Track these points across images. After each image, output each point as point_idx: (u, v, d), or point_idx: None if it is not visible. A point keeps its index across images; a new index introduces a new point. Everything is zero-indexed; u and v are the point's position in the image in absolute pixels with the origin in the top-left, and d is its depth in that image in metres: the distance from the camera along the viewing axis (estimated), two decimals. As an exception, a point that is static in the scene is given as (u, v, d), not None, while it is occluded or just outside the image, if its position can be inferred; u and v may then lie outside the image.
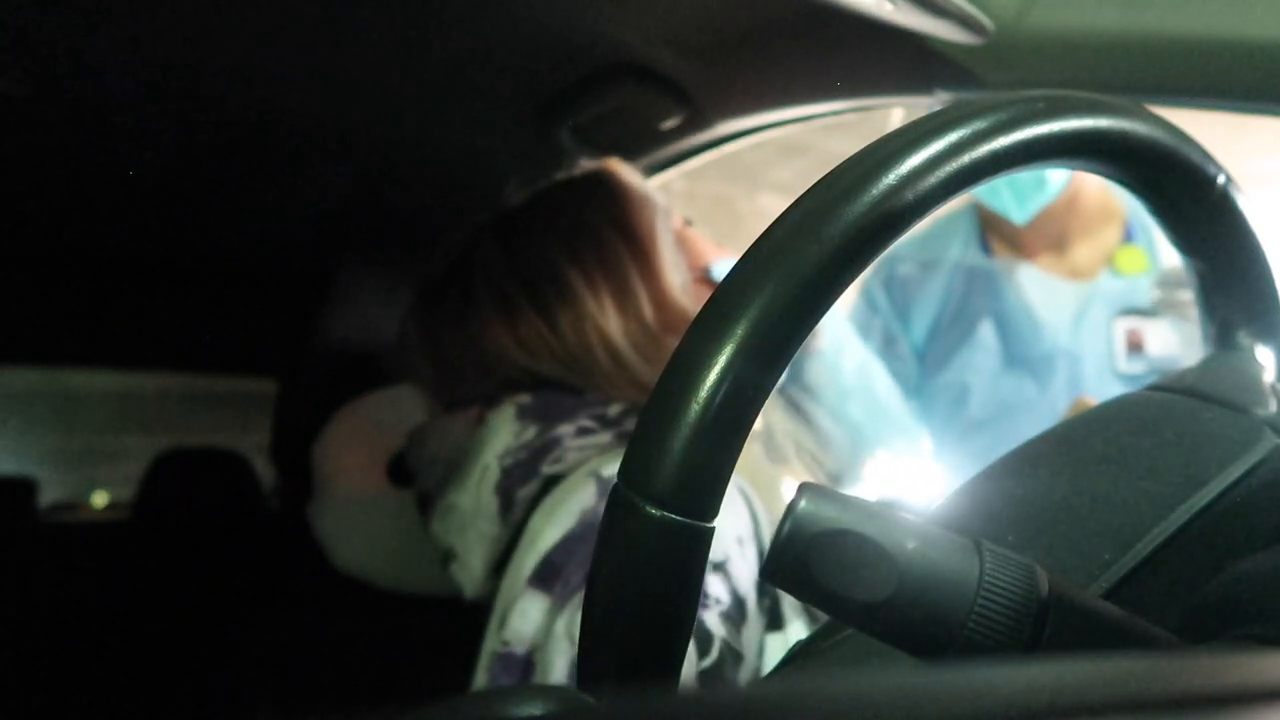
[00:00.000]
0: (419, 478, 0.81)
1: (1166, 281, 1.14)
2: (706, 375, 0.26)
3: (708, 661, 0.60)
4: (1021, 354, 1.26)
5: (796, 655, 0.35)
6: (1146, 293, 1.21)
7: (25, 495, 1.67)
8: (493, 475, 0.73)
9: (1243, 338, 0.40)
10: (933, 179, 0.28)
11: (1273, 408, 0.36)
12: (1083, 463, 0.35)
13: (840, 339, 1.08)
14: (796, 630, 0.68)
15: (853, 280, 0.28)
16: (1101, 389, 1.20)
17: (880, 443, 1.12)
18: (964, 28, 0.73)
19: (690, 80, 0.92)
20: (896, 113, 1.04)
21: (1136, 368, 1.21)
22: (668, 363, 0.28)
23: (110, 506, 2.21)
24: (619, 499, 0.27)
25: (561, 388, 0.76)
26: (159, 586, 1.52)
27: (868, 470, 1.11)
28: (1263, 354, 0.40)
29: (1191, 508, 0.31)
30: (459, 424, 0.78)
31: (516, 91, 0.95)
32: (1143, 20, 0.67)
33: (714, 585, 0.63)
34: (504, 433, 0.74)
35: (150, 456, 1.59)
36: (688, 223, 0.89)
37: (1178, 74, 0.68)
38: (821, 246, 0.27)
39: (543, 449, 0.72)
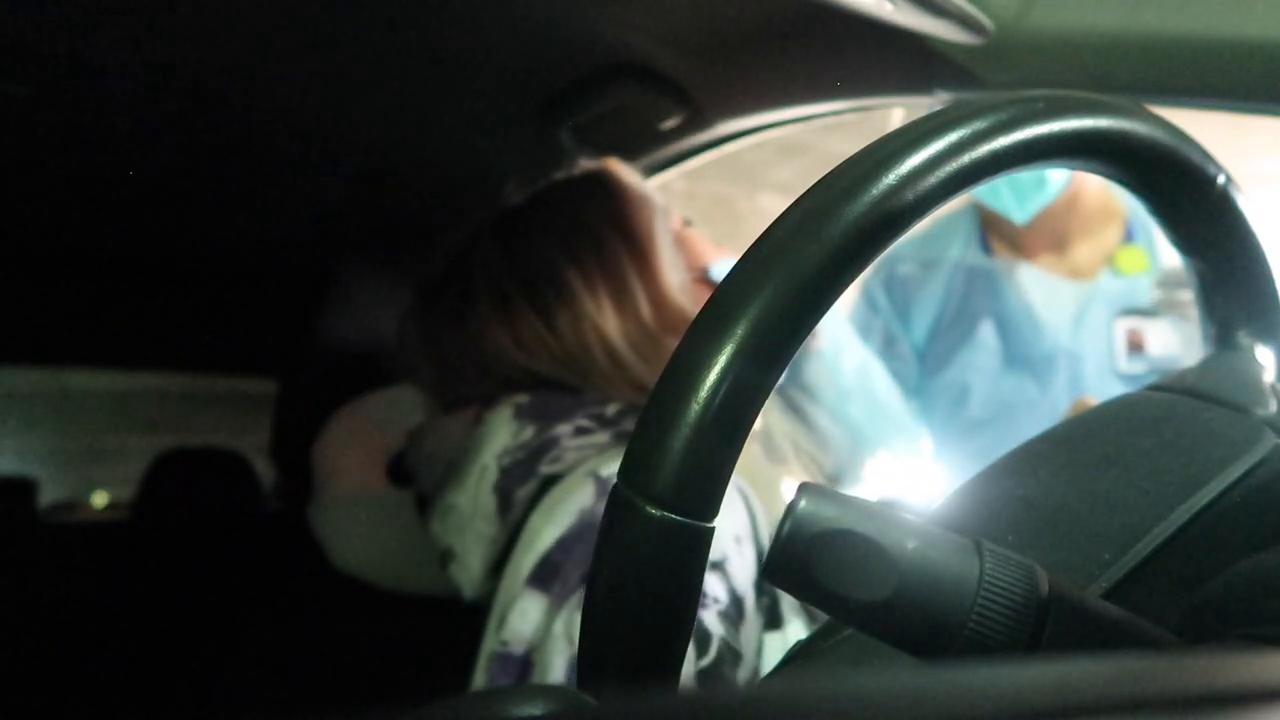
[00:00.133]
0: (417, 478, 0.81)
1: (1167, 281, 1.14)
2: (706, 375, 0.26)
3: (706, 661, 0.60)
4: (1022, 354, 1.26)
5: (796, 655, 0.35)
6: (1147, 293, 1.21)
7: (25, 495, 1.67)
8: (491, 475, 0.73)
9: (1243, 338, 0.40)
10: (933, 179, 0.28)
11: (1273, 408, 0.36)
12: (1083, 463, 0.35)
13: (840, 339, 1.08)
14: (795, 629, 0.68)
15: (853, 280, 0.28)
16: (1102, 389, 1.20)
17: (880, 443, 1.12)
18: (964, 28, 0.73)
19: (690, 80, 0.92)
20: (896, 113, 1.04)
21: (1137, 368, 1.21)
22: (668, 363, 0.28)
23: (110, 506, 2.21)
24: (619, 499, 0.27)
25: (559, 388, 0.76)
26: (159, 586, 1.52)
27: (868, 470, 1.11)
28: (1263, 354, 0.40)
29: (1191, 508, 0.31)
30: (457, 424, 0.78)
31: (516, 91, 0.95)
32: (1143, 20, 0.67)
33: (712, 584, 0.63)
34: (502, 433, 0.74)
35: (150, 456, 1.58)
36: (687, 223, 0.89)
37: (1178, 74, 0.68)
38: (821, 246, 0.27)
39: (541, 449, 0.72)
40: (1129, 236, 1.26)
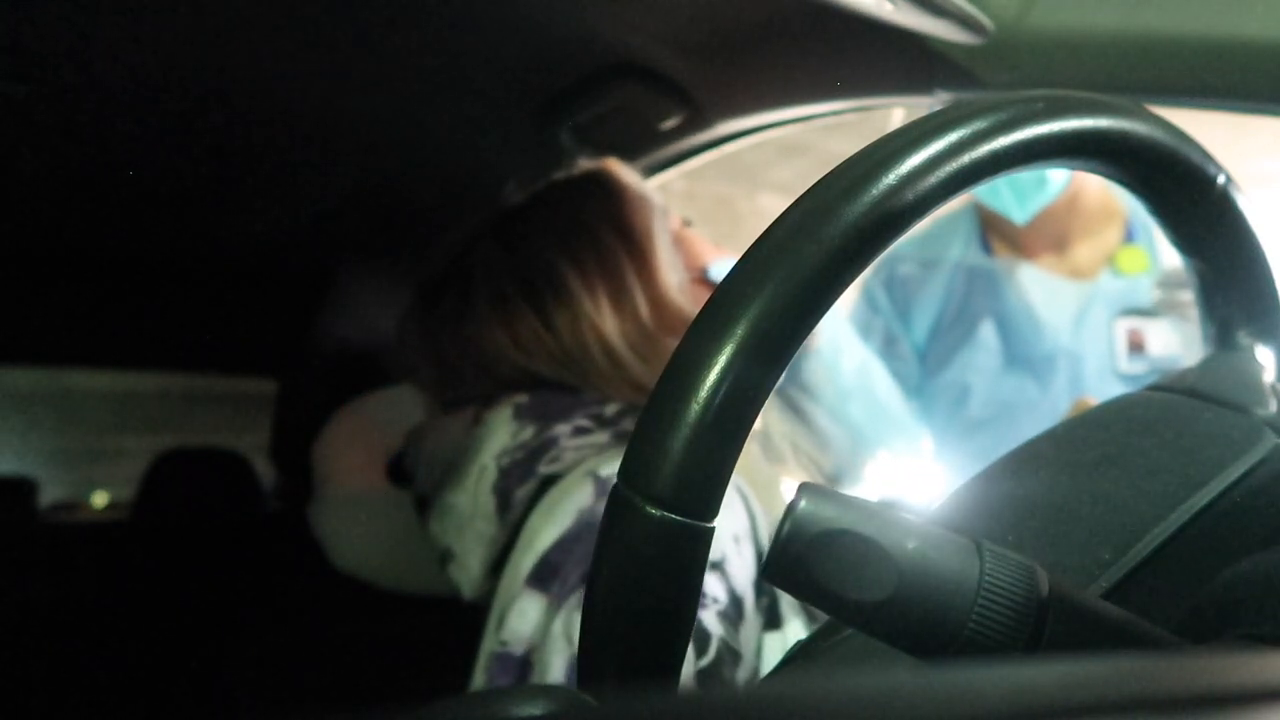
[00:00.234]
0: (417, 478, 0.81)
1: (1167, 281, 1.14)
2: (706, 375, 0.26)
3: (705, 661, 0.60)
4: (1022, 354, 1.26)
5: (796, 655, 0.35)
6: (1147, 293, 1.21)
7: (25, 495, 1.67)
8: (490, 475, 0.73)
9: (1243, 338, 0.40)
10: (933, 179, 0.28)
11: (1273, 408, 0.36)
12: (1083, 463, 0.35)
13: (840, 339, 1.08)
14: (794, 629, 0.68)
15: (853, 280, 0.28)
16: (1102, 389, 1.20)
17: (880, 443, 1.13)
18: (964, 28, 0.73)
19: (690, 80, 0.92)
20: (896, 113, 1.04)
21: (1137, 368, 1.21)
22: (668, 363, 0.28)
23: (110, 506, 2.21)
24: (619, 499, 0.27)
25: (558, 388, 0.76)
26: (159, 586, 1.52)
27: (868, 470, 1.11)
28: (1263, 354, 0.40)
29: (1191, 508, 0.31)
30: (457, 424, 0.78)
31: (516, 91, 0.95)
32: (1143, 20, 0.67)
33: (711, 584, 0.63)
34: (501, 433, 0.74)
35: (150, 456, 1.58)
36: (686, 223, 0.89)
37: (1178, 74, 0.68)
38: (821, 247, 0.27)
39: (540, 449, 0.72)
40: (1129, 236, 1.26)
